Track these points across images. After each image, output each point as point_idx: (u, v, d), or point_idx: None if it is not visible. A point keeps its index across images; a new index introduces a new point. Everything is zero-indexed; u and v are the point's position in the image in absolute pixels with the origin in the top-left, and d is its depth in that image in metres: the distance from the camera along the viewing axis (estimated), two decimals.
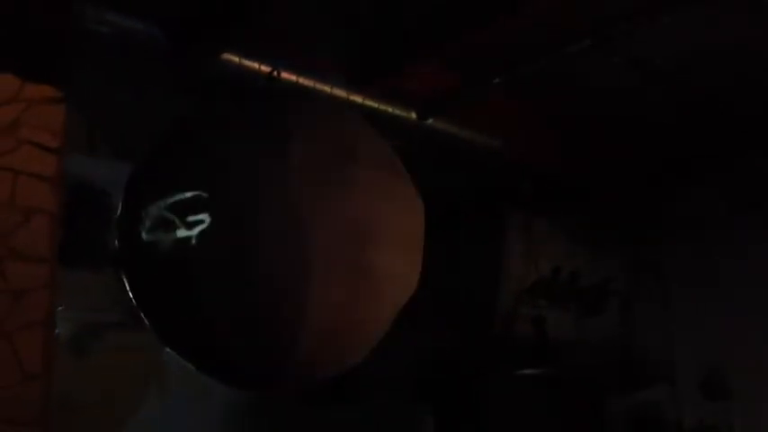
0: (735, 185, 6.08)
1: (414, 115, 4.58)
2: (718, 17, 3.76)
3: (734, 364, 6.08)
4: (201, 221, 2.67)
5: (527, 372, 6.12)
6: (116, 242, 3.02)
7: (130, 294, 2.97)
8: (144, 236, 2.80)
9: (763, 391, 5.86)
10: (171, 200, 2.75)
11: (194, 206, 2.70)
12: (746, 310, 5.92)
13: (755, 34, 4.08)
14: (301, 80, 3.92)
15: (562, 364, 6.24)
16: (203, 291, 2.73)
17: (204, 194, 2.68)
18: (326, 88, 4.05)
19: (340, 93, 4.12)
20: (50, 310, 2.81)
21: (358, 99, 4.23)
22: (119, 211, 3.03)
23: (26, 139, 2.82)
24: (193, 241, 2.69)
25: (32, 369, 2.72)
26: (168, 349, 3.05)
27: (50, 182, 2.86)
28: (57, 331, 3.00)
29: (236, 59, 3.75)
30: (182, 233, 2.70)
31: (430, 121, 4.64)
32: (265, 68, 3.69)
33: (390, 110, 4.46)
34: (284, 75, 3.62)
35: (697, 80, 4.67)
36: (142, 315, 2.98)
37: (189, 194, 2.71)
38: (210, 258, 2.70)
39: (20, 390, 2.68)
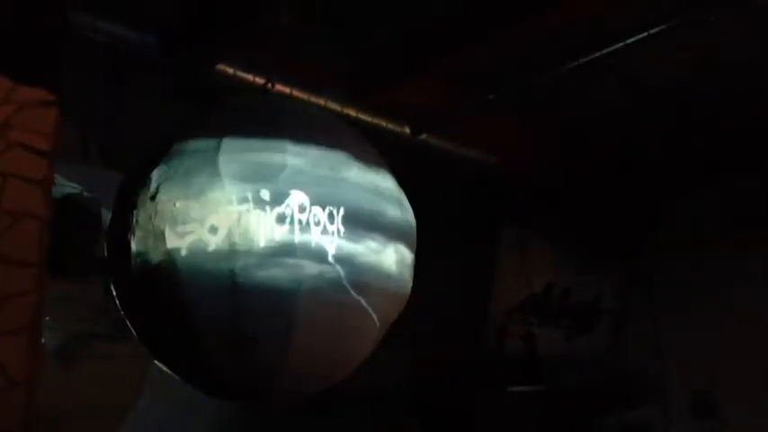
0: (727, 203, 6.09)
1: (407, 130, 4.59)
2: (716, 37, 3.79)
3: (724, 383, 6.08)
4: (192, 231, 2.65)
5: (517, 388, 6.10)
6: (105, 252, 3.00)
7: (119, 305, 2.94)
8: (134, 246, 2.77)
9: (751, 410, 5.86)
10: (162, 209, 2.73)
11: (185, 216, 2.68)
12: (737, 329, 5.92)
13: (752, 51, 4.11)
14: (295, 92, 3.92)
15: (552, 380, 6.22)
16: (192, 303, 2.71)
17: (195, 204, 2.67)
18: (321, 101, 4.06)
19: (334, 106, 4.12)
20: (37, 315, 2.78)
21: (352, 113, 4.23)
22: (109, 221, 3.01)
23: (16, 142, 2.80)
24: (183, 252, 2.67)
25: (17, 376, 2.68)
26: (156, 361, 3.02)
27: (40, 185, 2.84)
28: (43, 340, 2.96)
29: (231, 71, 3.75)
30: (172, 243, 2.68)
31: (423, 135, 4.65)
32: (260, 80, 3.69)
33: (384, 124, 4.47)
34: (278, 87, 3.63)
35: (691, 97, 4.70)
36: (130, 326, 2.96)
37: (179, 204, 2.69)
38: (201, 270, 2.67)
39: (3, 396, 2.64)
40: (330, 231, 2.70)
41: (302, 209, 2.68)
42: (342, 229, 2.72)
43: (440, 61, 4.08)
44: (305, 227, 2.66)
